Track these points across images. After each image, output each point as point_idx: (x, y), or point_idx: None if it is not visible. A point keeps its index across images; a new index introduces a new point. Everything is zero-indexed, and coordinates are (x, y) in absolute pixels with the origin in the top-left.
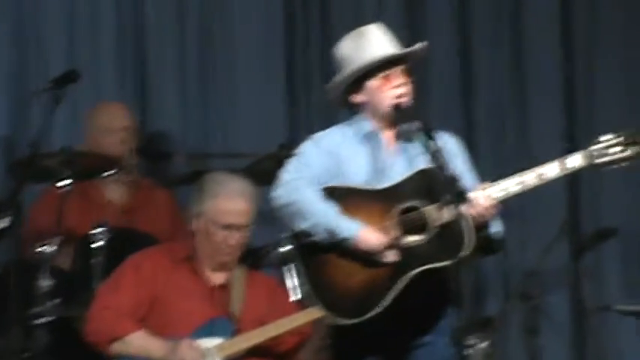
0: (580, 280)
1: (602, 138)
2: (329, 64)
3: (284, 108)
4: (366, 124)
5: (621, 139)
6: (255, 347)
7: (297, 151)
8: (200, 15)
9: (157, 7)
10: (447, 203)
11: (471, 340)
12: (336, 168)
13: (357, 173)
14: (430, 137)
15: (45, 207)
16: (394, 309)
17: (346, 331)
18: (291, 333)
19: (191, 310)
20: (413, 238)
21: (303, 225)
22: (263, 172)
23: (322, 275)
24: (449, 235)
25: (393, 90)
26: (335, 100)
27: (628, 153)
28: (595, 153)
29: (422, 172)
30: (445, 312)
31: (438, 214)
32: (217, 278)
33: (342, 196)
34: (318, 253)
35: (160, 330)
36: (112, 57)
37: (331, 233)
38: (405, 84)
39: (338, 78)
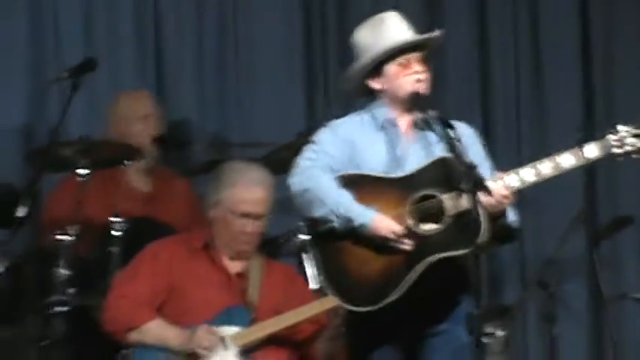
0: (597, 269)
1: (620, 127)
2: (346, 54)
3: (302, 97)
4: (384, 111)
5: (639, 130)
6: (272, 336)
7: (313, 138)
8: (218, 4)
9: None
10: (464, 192)
11: (489, 329)
12: (353, 155)
13: (374, 161)
14: (447, 126)
15: (63, 196)
16: (410, 297)
17: (362, 319)
18: (308, 321)
19: (208, 299)
20: (429, 227)
21: (318, 212)
22: (281, 161)
23: (338, 263)
24: (465, 223)
25: (411, 76)
26: (352, 88)
27: None
28: (612, 143)
29: (439, 161)
30: (461, 300)
31: (455, 203)
32: (235, 267)
33: (358, 183)
34: (334, 241)
35: (177, 318)
36: (129, 46)
37: (347, 220)
38: (423, 71)
39: (356, 65)
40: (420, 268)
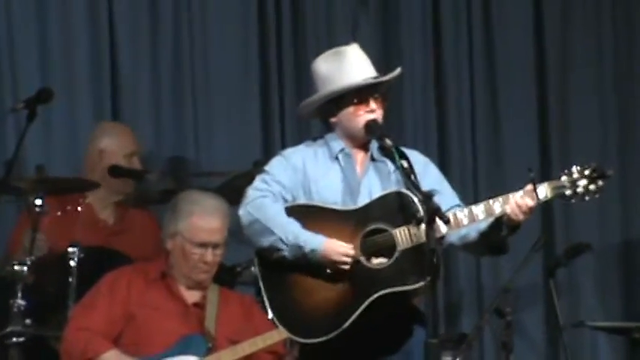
0: (554, 297)
1: (574, 169)
2: (303, 83)
3: (258, 126)
4: (338, 143)
5: (587, 172)
6: None
7: (265, 167)
8: (174, 33)
9: (130, 24)
10: (417, 223)
11: (446, 357)
12: (306, 185)
13: (328, 192)
14: (401, 155)
15: (21, 227)
16: (360, 328)
17: (316, 350)
18: (265, 351)
19: (166, 328)
20: (379, 261)
21: (267, 241)
22: (237, 190)
23: (286, 294)
24: (415, 258)
25: (366, 115)
26: (307, 116)
27: (596, 186)
28: (565, 184)
29: (391, 194)
30: (413, 331)
31: (406, 237)
32: (192, 296)
33: (307, 215)
34: (282, 272)
35: (134, 348)
36: (85, 76)
37: (296, 247)
38: (378, 109)
39: (313, 97)
40: (365, 302)
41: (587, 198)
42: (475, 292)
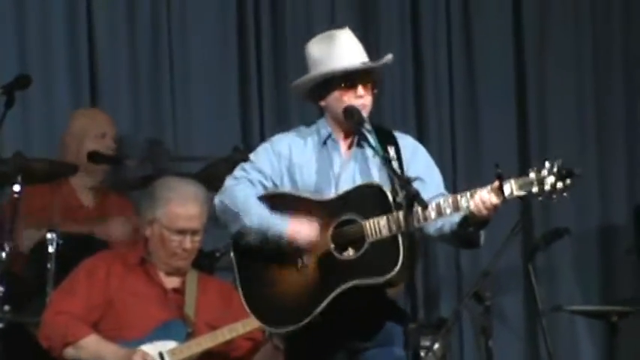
0: (532, 281)
1: (546, 164)
2: (280, 68)
3: (237, 111)
4: (327, 129)
5: (555, 169)
6: (208, 351)
7: (251, 154)
8: (152, 18)
9: (108, 9)
10: (399, 207)
11: (425, 342)
12: (290, 171)
13: (309, 179)
14: (388, 138)
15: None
16: (333, 319)
17: (296, 337)
18: (244, 338)
19: (145, 314)
20: (347, 253)
21: (237, 227)
22: (216, 176)
23: (258, 282)
24: (384, 251)
25: (353, 100)
26: (301, 98)
27: (564, 184)
28: (532, 181)
29: (365, 186)
30: (391, 319)
31: (376, 229)
32: (171, 282)
33: (285, 203)
34: (255, 260)
35: (114, 333)
36: (63, 62)
37: (263, 232)
38: (367, 95)
39: (303, 78)
40: (334, 293)
41: (554, 197)
42: (454, 276)
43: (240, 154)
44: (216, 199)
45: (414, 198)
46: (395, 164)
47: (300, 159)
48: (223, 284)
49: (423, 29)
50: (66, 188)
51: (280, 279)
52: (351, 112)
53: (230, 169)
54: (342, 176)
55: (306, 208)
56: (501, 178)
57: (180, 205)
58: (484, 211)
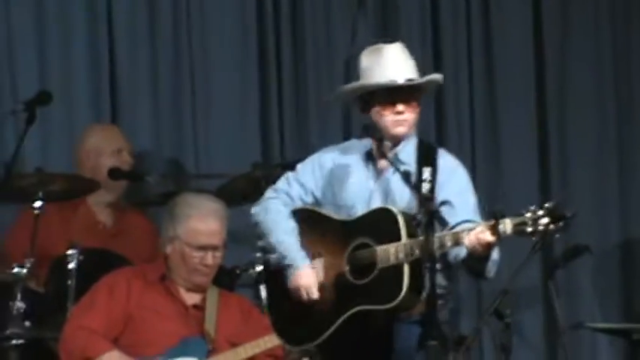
0: (552, 298)
1: (532, 208)
2: (301, 84)
3: (257, 128)
4: (367, 145)
5: (549, 211)
6: None
7: (297, 165)
8: (173, 35)
9: (129, 26)
10: (399, 243)
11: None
12: (333, 185)
13: (348, 196)
14: (426, 160)
15: (22, 229)
16: (346, 340)
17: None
18: (264, 354)
19: (166, 330)
20: (359, 277)
21: (264, 242)
22: (236, 192)
23: (282, 299)
24: (390, 278)
25: (392, 116)
26: (343, 104)
27: (556, 227)
28: (527, 221)
29: (380, 210)
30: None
31: (386, 255)
32: (191, 298)
33: (310, 220)
34: (281, 277)
35: (134, 349)
36: (84, 78)
37: (282, 257)
38: (407, 112)
39: (347, 87)
40: (345, 316)
41: (546, 237)
42: (474, 294)
43: (260, 170)
44: (253, 209)
45: (432, 215)
46: (425, 185)
47: (340, 173)
48: (243, 300)
49: (442, 30)
50: (82, 205)
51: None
52: (367, 129)
53: (249, 185)
54: (375, 193)
55: (327, 227)
56: (497, 217)
57: (201, 221)
58: (478, 248)
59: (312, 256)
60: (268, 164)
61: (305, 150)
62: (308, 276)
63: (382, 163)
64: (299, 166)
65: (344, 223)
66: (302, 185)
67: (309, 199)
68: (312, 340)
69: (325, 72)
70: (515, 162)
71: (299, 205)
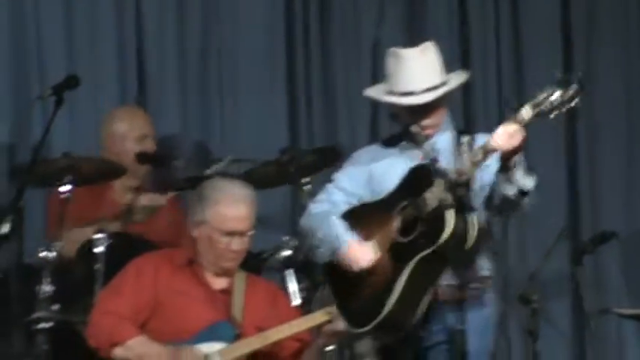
0: (580, 284)
1: (543, 89)
2: (329, 70)
3: (285, 113)
4: (399, 138)
5: (555, 85)
6: (256, 352)
7: (333, 175)
8: (201, 19)
9: (157, 11)
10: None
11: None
12: (368, 183)
13: (387, 190)
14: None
15: (51, 212)
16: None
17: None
18: (291, 338)
19: (194, 315)
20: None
21: (315, 240)
22: (264, 177)
23: (344, 288)
24: (437, 219)
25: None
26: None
27: (569, 93)
28: (540, 102)
29: (412, 170)
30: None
31: (425, 201)
32: (219, 283)
33: (356, 213)
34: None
35: (161, 334)
36: (112, 62)
37: (330, 246)
38: (431, 118)
39: (375, 90)
40: (406, 274)
41: (563, 109)
42: (501, 279)
43: (288, 156)
44: (301, 223)
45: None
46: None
47: (379, 169)
48: (270, 285)
49: (470, 17)
50: (110, 190)
51: (360, 280)
52: (394, 117)
53: (277, 171)
54: None
55: (369, 212)
56: (514, 108)
57: (229, 206)
58: (507, 146)
59: (365, 239)
60: (296, 150)
61: (333, 135)
62: (356, 249)
63: (416, 152)
64: (335, 174)
65: (383, 200)
66: (342, 189)
67: (354, 201)
68: (373, 319)
69: (353, 56)
70: (543, 156)
71: (344, 208)
